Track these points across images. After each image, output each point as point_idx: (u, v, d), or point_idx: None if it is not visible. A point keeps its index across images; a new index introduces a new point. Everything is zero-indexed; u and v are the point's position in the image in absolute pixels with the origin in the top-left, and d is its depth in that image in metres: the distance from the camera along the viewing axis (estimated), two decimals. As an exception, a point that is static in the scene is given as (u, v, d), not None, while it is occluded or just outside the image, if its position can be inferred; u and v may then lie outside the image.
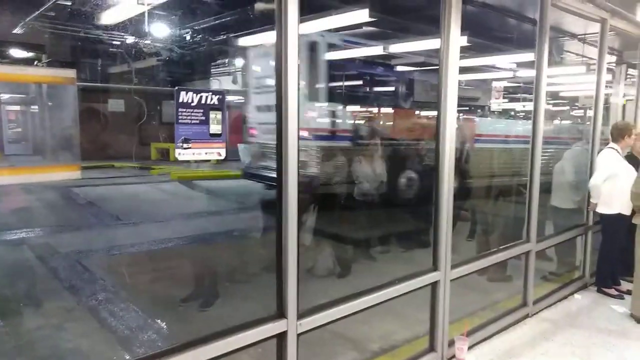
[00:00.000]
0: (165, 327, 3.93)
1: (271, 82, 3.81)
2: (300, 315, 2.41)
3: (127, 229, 7.34)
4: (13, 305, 4.35)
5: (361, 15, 5.80)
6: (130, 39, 10.53)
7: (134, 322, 4.00)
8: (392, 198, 4.97)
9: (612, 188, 4.50)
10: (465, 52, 8.30)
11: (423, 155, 5.51)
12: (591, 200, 4.75)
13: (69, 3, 8.22)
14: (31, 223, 7.22)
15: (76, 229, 7.34)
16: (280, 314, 2.37)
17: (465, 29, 3.23)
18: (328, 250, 5.33)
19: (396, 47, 7.38)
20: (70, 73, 1.78)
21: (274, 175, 2.09)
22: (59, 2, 8.00)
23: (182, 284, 4.80)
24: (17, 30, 9.25)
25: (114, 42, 11.09)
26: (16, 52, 10.91)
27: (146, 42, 10.54)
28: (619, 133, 4.68)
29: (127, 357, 3.53)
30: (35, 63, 11.15)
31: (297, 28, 2.27)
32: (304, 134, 5.25)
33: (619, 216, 4.48)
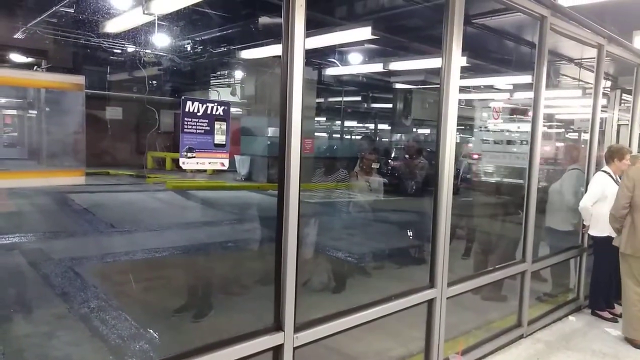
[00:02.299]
0: (157, 337, 3.89)
1: (492, 125, 4.36)
2: (297, 329, 2.40)
3: (121, 237, 7.29)
4: (2, 312, 4.28)
5: (364, 32, 5.90)
6: (131, 48, 10.58)
7: (126, 331, 3.95)
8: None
9: (600, 210, 4.54)
10: (464, 72, 8.42)
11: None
12: (584, 222, 4.79)
13: (72, 10, 8.27)
14: (24, 228, 7.16)
15: (70, 235, 7.28)
16: (278, 326, 2.35)
17: (465, 49, 3.30)
18: (323, 264, 5.33)
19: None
20: (79, 79, 1.79)
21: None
22: (62, 9, 8.05)
23: (176, 294, 4.76)
24: (19, 35, 9.29)
25: (115, 50, 11.13)
26: (16, 57, 10.95)
27: (147, 51, 10.60)
28: (610, 155, 4.73)
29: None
30: (35, 68, 11.17)
31: (303, 42, 2.30)
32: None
33: (609, 239, 4.50)
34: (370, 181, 5.76)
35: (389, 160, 13.50)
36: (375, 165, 6.00)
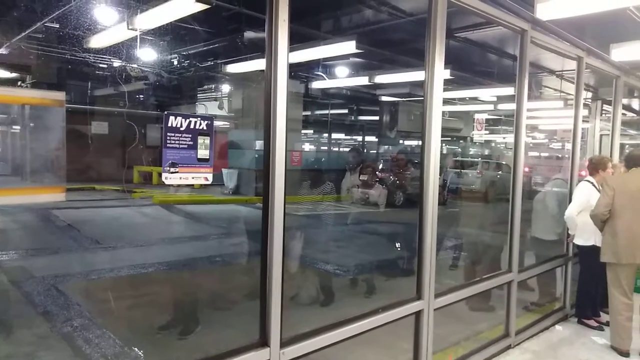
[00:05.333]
0: (142, 355, 3.81)
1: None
2: (283, 344, 2.37)
3: (106, 253, 7.18)
4: (-18, 332, 4.18)
5: (349, 46, 5.96)
6: (117, 63, 10.55)
7: (110, 350, 3.87)
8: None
9: (586, 220, 4.58)
10: (448, 84, 8.55)
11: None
12: (569, 231, 4.85)
13: (57, 26, 8.24)
14: (6, 245, 7.01)
15: (54, 252, 7.15)
16: (263, 342, 2.32)
17: (448, 62, 3.35)
18: (312, 278, 5.29)
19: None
20: (59, 95, 1.78)
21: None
22: (47, 24, 8.01)
23: (162, 311, 4.69)
24: (2, 51, 9.20)
25: (101, 65, 11.09)
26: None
27: (133, 66, 10.57)
28: (594, 167, 4.80)
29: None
30: (19, 84, 11.05)
31: (286, 56, 2.32)
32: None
33: (594, 248, 4.55)
34: (369, 193, 5.72)
35: (377, 172, 13.56)
36: (370, 177, 5.96)
